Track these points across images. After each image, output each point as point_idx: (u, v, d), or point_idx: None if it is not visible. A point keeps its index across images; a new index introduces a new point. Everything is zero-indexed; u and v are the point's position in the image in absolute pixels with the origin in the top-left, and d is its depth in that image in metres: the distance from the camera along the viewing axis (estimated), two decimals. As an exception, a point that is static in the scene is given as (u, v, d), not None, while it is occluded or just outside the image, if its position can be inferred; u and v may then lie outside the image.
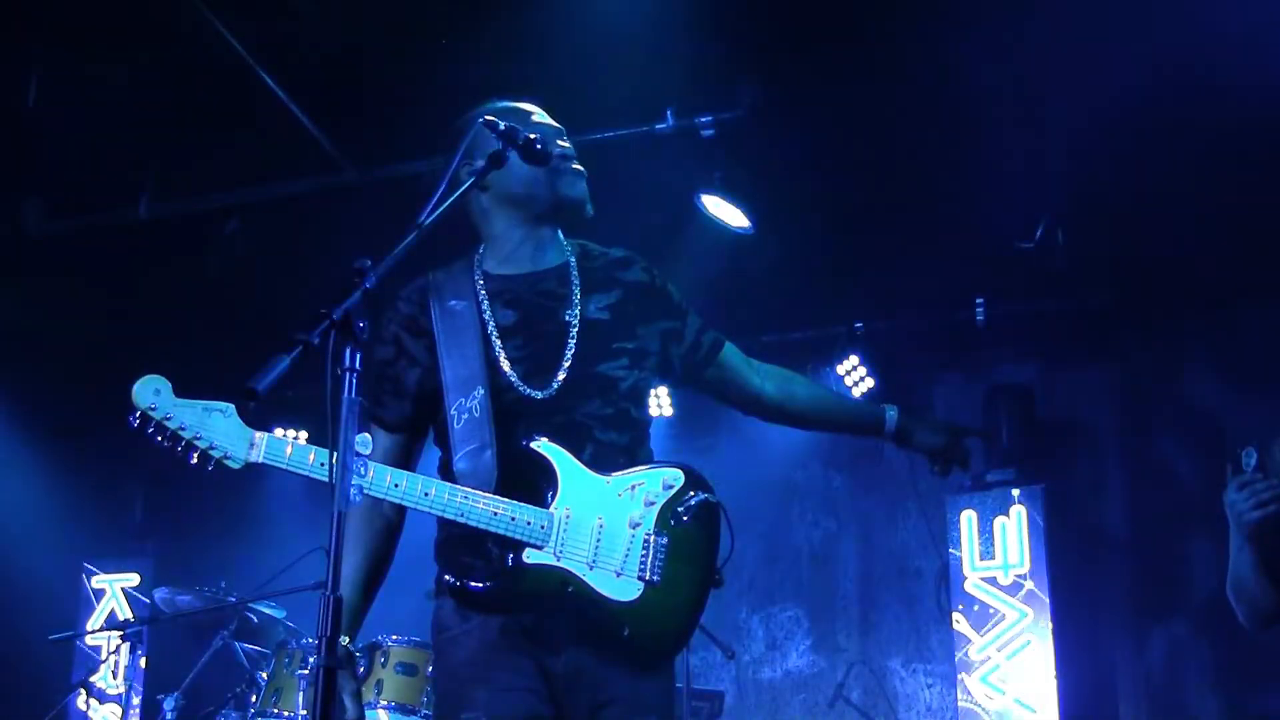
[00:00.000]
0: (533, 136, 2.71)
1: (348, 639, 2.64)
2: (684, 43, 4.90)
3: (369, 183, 5.81)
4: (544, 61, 4.84)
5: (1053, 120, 5.31)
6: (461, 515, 2.58)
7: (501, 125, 2.68)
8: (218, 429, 2.50)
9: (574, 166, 2.83)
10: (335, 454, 2.12)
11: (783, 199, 5.92)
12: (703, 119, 5.31)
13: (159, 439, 2.51)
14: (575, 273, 2.84)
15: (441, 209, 2.48)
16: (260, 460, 2.53)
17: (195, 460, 2.51)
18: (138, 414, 2.48)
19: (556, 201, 2.82)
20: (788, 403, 3.04)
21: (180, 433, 2.49)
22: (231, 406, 2.53)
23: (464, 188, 2.63)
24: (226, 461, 2.52)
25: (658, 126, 5.32)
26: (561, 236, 2.91)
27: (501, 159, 2.70)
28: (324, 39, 5.16)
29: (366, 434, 2.56)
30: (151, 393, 2.49)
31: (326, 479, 2.50)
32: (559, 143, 2.82)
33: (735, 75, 5.24)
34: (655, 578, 2.64)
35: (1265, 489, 3.00)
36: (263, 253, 6.22)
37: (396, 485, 2.57)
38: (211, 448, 2.50)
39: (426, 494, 2.58)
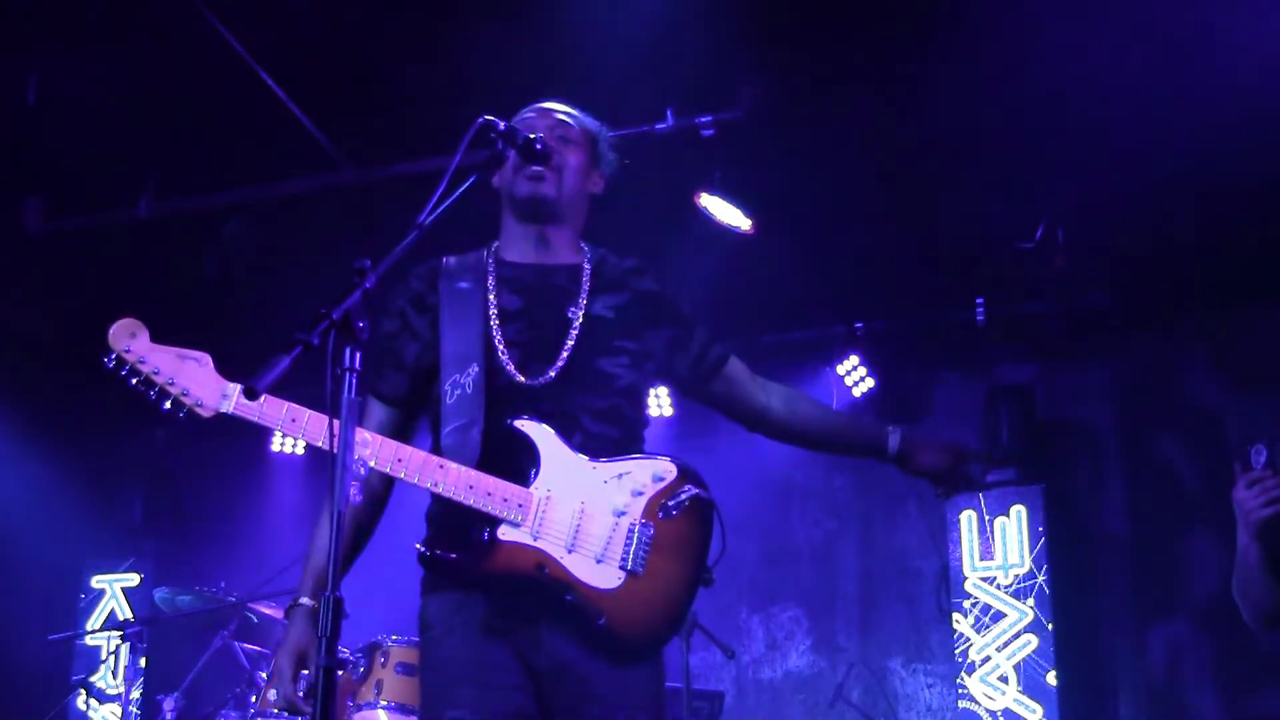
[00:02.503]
0: (532, 136, 2.72)
1: (314, 602, 2.62)
2: (684, 43, 4.90)
3: (369, 183, 5.81)
4: (544, 61, 4.84)
5: (1052, 120, 5.31)
6: (435, 486, 2.57)
7: (501, 125, 2.70)
8: (191, 376, 2.53)
9: (531, 169, 2.77)
10: (335, 455, 2.12)
11: (783, 199, 5.91)
12: (703, 119, 5.30)
13: (133, 382, 2.53)
14: (588, 275, 2.85)
15: (442, 209, 2.48)
16: (231, 412, 2.54)
17: (168, 407, 2.53)
18: (113, 355, 2.51)
19: (515, 202, 2.84)
20: (792, 420, 3.04)
21: (153, 377, 2.52)
22: (208, 356, 2.56)
23: (464, 187, 2.63)
24: (197, 410, 2.54)
25: (658, 126, 5.32)
26: (582, 242, 2.93)
27: (501, 159, 2.71)
28: (324, 39, 5.16)
29: (366, 434, 2.56)
30: (127, 336, 2.52)
31: (296, 436, 2.57)
32: (531, 136, 2.76)
33: (735, 75, 5.24)
34: (638, 568, 2.62)
35: (1275, 486, 2.99)
36: (263, 253, 6.22)
37: (366, 446, 2.57)
38: (184, 394, 2.52)
39: (399, 460, 2.58)
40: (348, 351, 2.17)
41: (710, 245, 5.95)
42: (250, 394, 2.13)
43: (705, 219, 5.77)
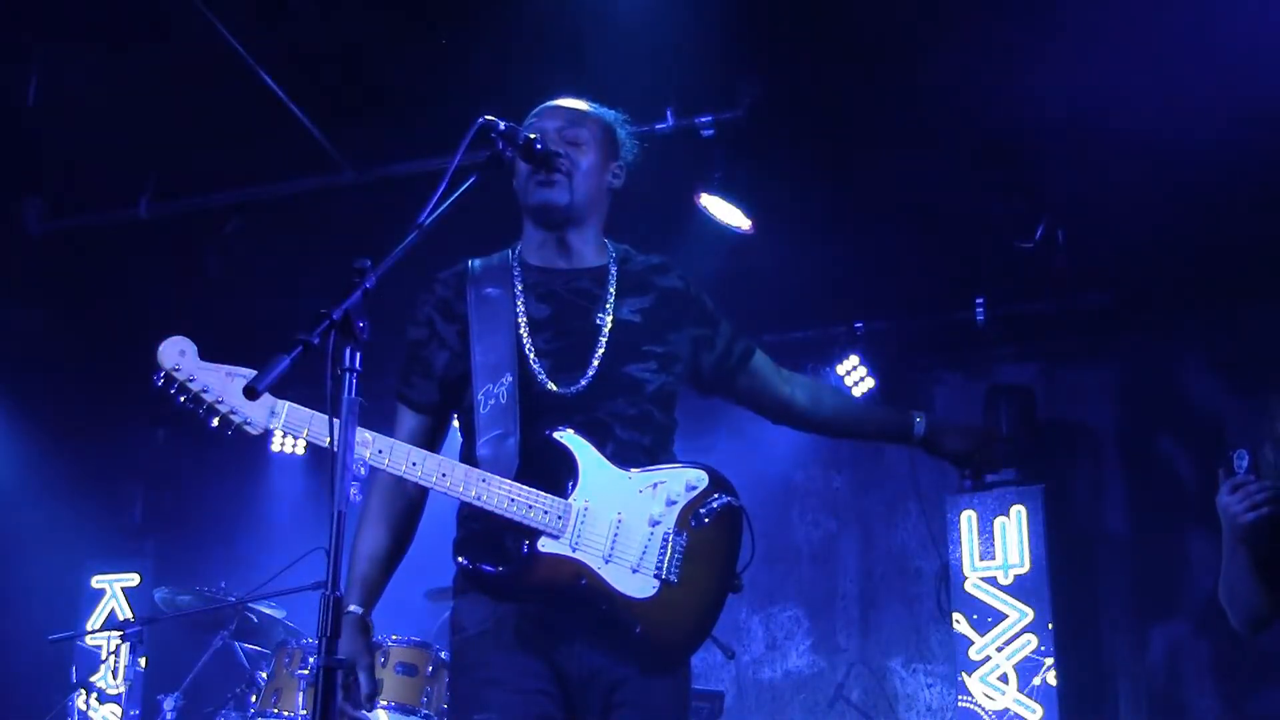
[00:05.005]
0: (532, 137, 2.72)
1: (362, 610, 2.66)
2: (684, 42, 4.90)
3: (369, 183, 5.81)
4: (543, 61, 4.84)
5: (1053, 119, 5.31)
6: (478, 499, 2.58)
7: (501, 125, 2.69)
8: (240, 395, 2.48)
9: (541, 176, 2.79)
10: (336, 455, 2.12)
11: (783, 199, 5.91)
12: (703, 119, 5.31)
13: (181, 400, 2.52)
14: (613, 276, 2.85)
15: (442, 209, 2.48)
16: (280, 428, 2.53)
17: (216, 424, 2.52)
18: (162, 374, 2.50)
19: (529, 210, 2.85)
20: (817, 410, 3.06)
21: (202, 395, 2.51)
22: (255, 373, 2.53)
23: (464, 187, 2.63)
24: (246, 427, 2.53)
25: (658, 126, 5.32)
26: (605, 239, 2.93)
27: (500, 159, 2.71)
28: (324, 39, 5.16)
29: (366, 433, 2.56)
30: (176, 354, 2.51)
31: (364, 464, 2.56)
32: (551, 146, 2.79)
33: (735, 75, 5.24)
34: (672, 577, 2.64)
35: (1258, 490, 3.01)
36: (263, 253, 6.22)
37: (415, 464, 2.58)
38: (232, 413, 2.51)
39: (443, 475, 2.59)
40: (348, 351, 2.17)
41: (710, 245, 5.95)
42: (250, 394, 2.13)
43: (705, 219, 5.77)
